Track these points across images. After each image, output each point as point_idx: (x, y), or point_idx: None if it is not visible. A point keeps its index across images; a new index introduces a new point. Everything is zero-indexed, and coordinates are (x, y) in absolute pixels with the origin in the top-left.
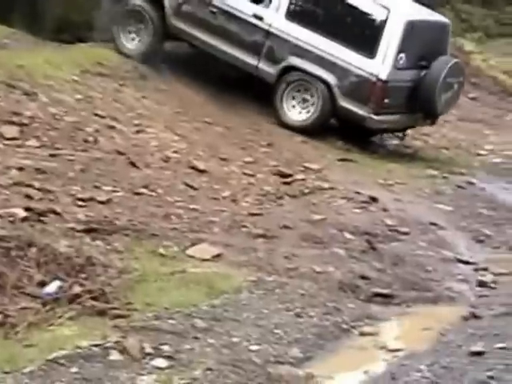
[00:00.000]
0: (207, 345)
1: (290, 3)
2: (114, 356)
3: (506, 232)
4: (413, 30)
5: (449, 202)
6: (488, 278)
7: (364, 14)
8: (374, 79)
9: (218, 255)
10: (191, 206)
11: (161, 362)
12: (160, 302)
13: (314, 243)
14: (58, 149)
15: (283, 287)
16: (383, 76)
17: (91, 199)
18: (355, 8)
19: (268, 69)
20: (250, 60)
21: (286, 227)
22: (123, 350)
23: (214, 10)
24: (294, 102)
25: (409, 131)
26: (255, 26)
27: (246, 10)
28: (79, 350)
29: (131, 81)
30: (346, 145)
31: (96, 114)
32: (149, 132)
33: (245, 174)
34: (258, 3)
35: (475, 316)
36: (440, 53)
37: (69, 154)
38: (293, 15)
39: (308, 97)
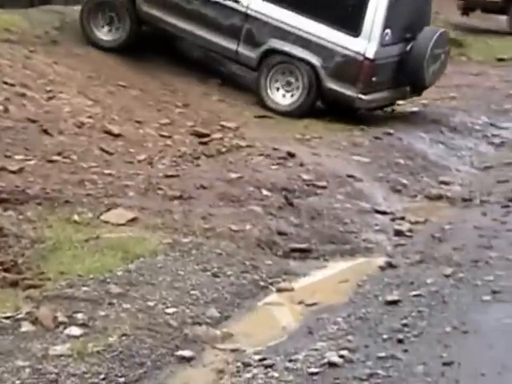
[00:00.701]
0: (122, 310)
1: None
2: (26, 327)
3: (421, 181)
4: (396, 3)
5: (366, 153)
6: (404, 227)
7: None
8: (360, 58)
9: (134, 219)
10: (106, 171)
11: (75, 331)
12: (74, 270)
13: (230, 202)
14: None
15: (200, 248)
16: (370, 54)
17: (2, 169)
18: None
19: (248, 53)
20: (229, 45)
21: (202, 187)
22: (35, 321)
23: None
24: (277, 86)
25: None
26: (232, 8)
27: None
28: None
29: (42, 46)
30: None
31: (5, 82)
32: (61, 98)
33: (161, 135)
34: None
35: (391, 265)
36: (424, 23)
37: None
38: None
39: (292, 80)
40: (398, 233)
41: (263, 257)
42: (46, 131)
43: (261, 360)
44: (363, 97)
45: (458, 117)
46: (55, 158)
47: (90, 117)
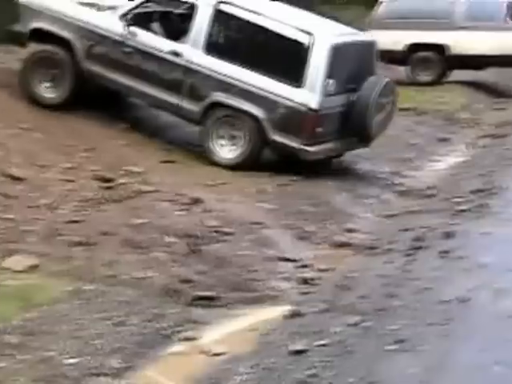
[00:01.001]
0: (20, 361)
1: (209, 36)
2: None
3: (327, 228)
4: (339, 53)
5: (273, 200)
6: (310, 274)
7: (287, 41)
8: (303, 109)
9: (35, 266)
10: (6, 216)
11: None
12: None
13: (135, 248)
14: None
15: (103, 296)
16: (313, 105)
17: None
18: (277, 35)
19: (192, 107)
20: (172, 99)
21: (106, 233)
22: None
23: (128, 49)
24: (222, 141)
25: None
26: (174, 63)
27: (163, 46)
28: None
29: None
30: (170, 145)
31: None
32: None
33: (65, 180)
34: (174, 39)
35: (297, 314)
36: (368, 73)
37: None
38: (212, 49)
39: (236, 133)
40: (304, 281)
41: (167, 305)
42: None
43: None
44: (308, 148)
45: (362, 165)
46: None
47: None
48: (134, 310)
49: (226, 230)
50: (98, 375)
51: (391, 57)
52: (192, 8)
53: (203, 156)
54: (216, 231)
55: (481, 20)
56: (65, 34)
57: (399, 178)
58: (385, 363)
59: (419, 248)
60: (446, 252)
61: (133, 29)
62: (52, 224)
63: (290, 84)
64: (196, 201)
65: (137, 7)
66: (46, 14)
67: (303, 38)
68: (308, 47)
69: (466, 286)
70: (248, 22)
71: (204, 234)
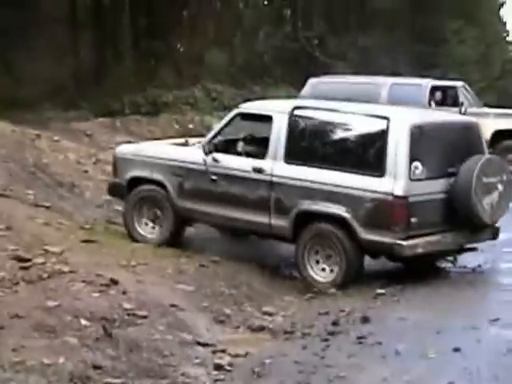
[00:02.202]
0: None
1: (287, 146)
2: None
3: (245, 311)
4: (424, 134)
5: (191, 281)
6: (225, 360)
7: (364, 131)
8: (389, 198)
9: None
10: None
11: None
12: None
13: (46, 332)
14: None
15: None
16: (398, 191)
17: None
18: (354, 127)
19: (281, 223)
20: (261, 219)
21: (17, 316)
22: None
23: (213, 176)
24: (319, 265)
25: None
26: (258, 180)
27: (245, 166)
28: None
29: None
30: (90, 224)
31: None
32: None
33: None
34: (254, 157)
35: None
36: (473, 154)
37: None
38: (293, 157)
39: (330, 251)
40: (218, 367)
41: None
42: None
43: None
44: (403, 242)
45: None
46: None
47: None
48: None
49: (141, 312)
50: None
51: None
52: (269, 121)
53: (124, 234)
54: (131, 314)
55: (404, 103)
56: (158, 176)
57: None
58: None
59: (336, 333)
60: (362, 338)
61: (215, 155)
62: None
63: (372, 175)
64: (112, 282)
65: (215, 135)
66: (139, 160)
67: (380, 124)
68: (385, 132)
69: (380, 376)
70: (324, 122)
71: (118, 317)
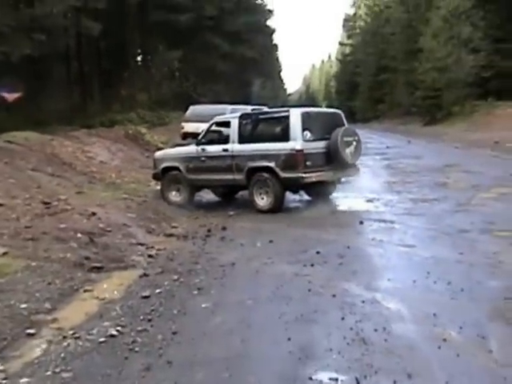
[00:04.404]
0: None
1: (239, 134)
2: None
3: (162, 226)
4: (308, 117)
5: (134, 211)
6: (153, 252)
7: (276, 120)
8: (294, 151)
9: (6, 253)
10: None
11: None
12: None
13: (60, 241)
14: None
15: (41, 268)
16: (298, 147)
17: None
18: (271, 120)
19: (240, 176)
20: (229, 176)
21: (44, 233)
22: None
23: (202, 158)
24: (262, 196)
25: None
26: (225, 155)
27: (219, 149)
28: None
29: None
30: (80, 185)
31: None
32: None
33: (25, 204)
34: (223, 143)
35: (145, 275)
36: (338, 127)
37: None
38: (242, 140)
39: (266, 189)
40: (150, 256)
41: (77, 272)
42: None
43: (73, 334)
44: (304, 175)
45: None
46: None
47: None
48: (58, 275)
49: (109, 228)
50: (38, 313)
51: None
52: (228, 123)
53: (98, 189)
54: (103, 229)
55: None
56: (176, 164)
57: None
58: (191, 302)
59: (209, 236)
60: (223, 238)
61: (202, 147)
62: (16, 229)
63: (283, 141)
64: (93, 214)
65: (203, 136)
66: (166, 158)
67: (285, 114)
68: (288, 117)
69: (233, 256)
70: (257, 118)
71: (97, 232)
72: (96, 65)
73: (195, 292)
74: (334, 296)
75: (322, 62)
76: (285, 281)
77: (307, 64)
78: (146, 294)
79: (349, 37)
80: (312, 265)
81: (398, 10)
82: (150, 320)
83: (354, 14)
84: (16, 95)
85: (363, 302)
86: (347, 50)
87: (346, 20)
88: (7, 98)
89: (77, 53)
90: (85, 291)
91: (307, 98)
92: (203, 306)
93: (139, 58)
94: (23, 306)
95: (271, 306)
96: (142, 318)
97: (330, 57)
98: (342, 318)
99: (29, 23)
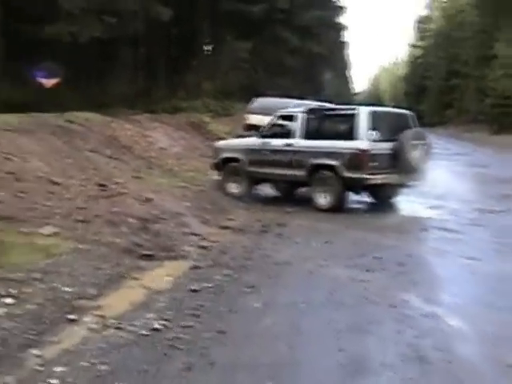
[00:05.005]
0: (39, 289)
1: (304, 129)
2: None
3: (218, 217)
4: (375, 116)
5: (189, 200)
6: (206, 243)
7: (344, 117)
8: (359, 151)
9: (56, 233)
10: (46, 203)
11: (8, 300)
12: (16, 262)
13: (111, 225)
14: None
15: (90, 252)
16: (364, 147)
17: None
18: (338, 117)
19: (301, 173)
20: (290, 172)
21: (97, 216)
22: None
23: (264, 152)
24: (321, 191)
25: None
26: (288, 150)
27: (281, 143)
28: None
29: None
30: (138, 169)
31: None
32: (28, 162)
33: (80, 185)
34: (286, 137)
35: (196, 267)
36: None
37: None
38: (307, 136)
39: (328, 187)
40: (202, 247)
41: (125, 258)
42: (18, 179)
43: (114, 323)
44: (368, 176)
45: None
46: (19, 194)
47: (44, 172)
48: (106, 260)
49: (162, 216)
50: (82, 299)
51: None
52: (293, 117)
53: (154, 175)
54: (157, 216)
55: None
56: (237, 155)
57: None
58: (241, 300)
59: (265, 231)
60: (280, 235)
61: (265, 140)
62: (69, 209)
63: (349, 139)
64: (147, 199)
65: (266, 129)
66: (227, 148)
67: (352, 112)
68: (355, 115)
69: (288, 255)
70: (324, 115)
71: (150, 218)
72: (164, 51)
73: (246, 289)
74: (391, 306)
75: (391, 63)
76: (340, 285)
77: (375, 64)
78: (195, 287)
79: (420, 39)
80: (370, 271)
81: (472, 13)
82: (196, 316)
83: (427, 16)
84: (53, 81)
85: (423, 315)
86: (418, 52)
87: (419, 22)
88: (44, 83)
89: (145, 38)
90: (132, 279)
91: (373, 98)
92: (253, 305)
93: (208, 47)
94: (67, 289)
95: (324, 312)
96: (188, 312)
97: (399, 58)
98: (399, 332)
99: (100, 5)
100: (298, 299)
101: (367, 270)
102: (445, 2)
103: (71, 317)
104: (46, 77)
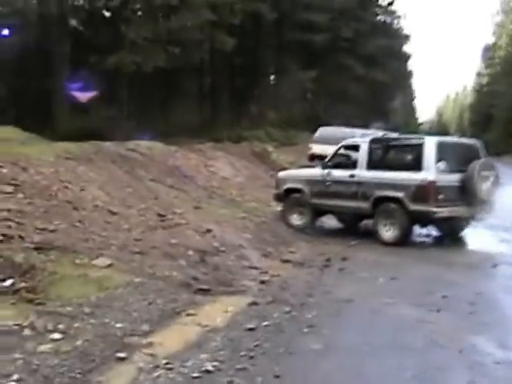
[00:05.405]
0: (89, 324)
1: (368, 160)
2: (27, 332)
3: (279, 250)
4: (443, 147)
5: (251, 232)
6: (266, 278)
7: (410, 148)
8: (425, 183)
9: (110, 265)
10: (103, 234)
11: (56, 336)
12: (67, 295)
13: (169, 257)
14: (32, 199)
15: (144, 285)
16: (431, 178)
17: (44, 229)
18: (404, 148)
19: (365, 205)
20: (354, 204)
21: (154, 247)
22: (33, 328)
23: (328, 183)
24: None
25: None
26: (352, 181)
27: (344, 174)
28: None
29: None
30: (198, 199)
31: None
32: (87, 190)
33: (139, 215)
34: (350, 168)
35: (254, 303)
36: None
37: (39, 202)
38: (371, 167)
39: (393, 220)
40: (262, 282)
41: (181, 293)
42: (75, 208)
43: (166, 363)
44: (435, 209)
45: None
46: (76, 223)
47: (102, 201)
48: (161, 295)
49: (222, 248)
50: (133, 335)
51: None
52: (357, 147)
53: (215, 205)
54: (216, 249)
55: None
56: (299, 186)
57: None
58: (300, 340)
59: (328, 266)
60: (342, 269)
61: (328, 170)
62: (126, 240)
63: (416, 170)
64: (208, 230)
65: (329, 159)
66: (290, 179)
67: (420, 142)
68: (422, 145)
69: (351, 291)
70: (388, 145)
71: (209, 250)
72: (228, 80)
73: (306, 330)
74: (461, 351)
75: (457, 93)
76: (406, 326)
77: (441, 94)
78: (252, 325)
79: (487, 67)
80: (438, 310)
81: None
82: (251, 357)
83: (494, 44)
84: (89, 95)
85: (496, 363)
86: (484, 80)
87: (486, 49)
88: (80, 97)
89: (210, 67)
90: (187, 315)
91: (439, 128)
92: (313, 347)
93: (272, 77)
94: (118, 325)
95: (389, 356)
96: (243, 353)
97: (465, 88)
98: (472, 382)
99: (165, 36)
100: (360, 341)
101: (436, 310)
102: (511, 29)
103: (121, 355)
104: (81, 90)
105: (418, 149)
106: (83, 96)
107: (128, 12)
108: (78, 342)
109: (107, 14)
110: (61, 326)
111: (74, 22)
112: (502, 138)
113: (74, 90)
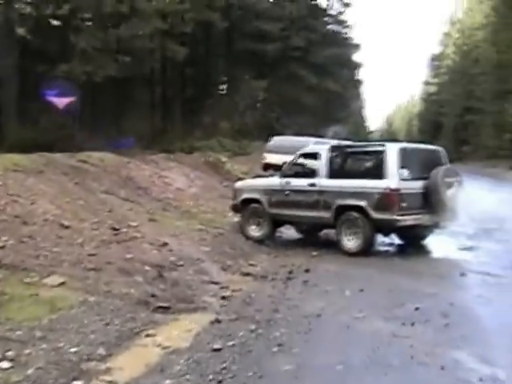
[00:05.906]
0: (41, 349)
1: (328, 168)
2: None
3: (239, 263)
4: (405, 153)
5: (208, 244)
6: (227, 293)
7: (371, 155)
8: (388, 191)
9: (63, 283)
10: (54, 249)
11: (5, 364)
12: (16, 317)
13: (124, 273)
14: None
15: (100, 304)
16: (394, 186)
17: None
18: (364, 155)
19: (327, 214)
20: (315, 214)
21: (109, 263)
22: None
23: (286, 192)
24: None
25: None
26: (312, 190)
27: (304, 183)
28: None
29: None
30: (153, 211)
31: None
32: (37, 204)
33: (92, 228)
34: (309, 177)
35: (218, 321)
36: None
37: None
38: (331, 175)
39: (356, 229)
40: (223, 297)
41: (140, 311)
42: (25, 223)
43: None
44: (398, 218)
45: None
46: (25, 239)
47: (53, 215)
48: (118, 314)
49: (180, 262)
50: (90, 360)
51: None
52: (316, 156)
53: (171, 217)
54: (174, 263)
55: None
56: (257, 196)
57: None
58: (270, 361)
59: (291, 278)
60: (306, 282)
61: (287, 179)
62: (79, 256)
63: (378, 178)
64: (164, 244)
65: (287, 168)
66: (247, 189)
67: (380, 148)
68: (383, 152)
69: (318, 305)
70: (349, 152)
71: (167, 265)
72: (179, 90)
73: (275, 349)
74: (442, 368)
75: (405, 101)
76: (381, 342)
77: (389, 102)
78: (217, 345)
79: (434, 76)
80: (412, 324)
81: (489, 50)
82: (220, 382)
83: (441, 53)
84: (66, 100)
85: (481, 380)
86: (432, 89)
87: (433, 59)
88: (57, 103)
89: (161, 77)
90: (146, 336)
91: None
92: (284, 368)
93: (223, 86)
94: (73, 349)
95: (366, 376)
96: (210, 377)
97: (413, 97)
98: None
99: (115, 45)
100: (334, 360)
101: (410, 324)
102: (457, 39)
103: (77, 383)
104: (58, 96)
105: (379, 156)
106: (60, 102)
107: (77, 20)
108: (30, 371)
109: (56, 22)
110: (10, 354)
111: (21, 31)
112: (452, 146)
113: (51, 96)
